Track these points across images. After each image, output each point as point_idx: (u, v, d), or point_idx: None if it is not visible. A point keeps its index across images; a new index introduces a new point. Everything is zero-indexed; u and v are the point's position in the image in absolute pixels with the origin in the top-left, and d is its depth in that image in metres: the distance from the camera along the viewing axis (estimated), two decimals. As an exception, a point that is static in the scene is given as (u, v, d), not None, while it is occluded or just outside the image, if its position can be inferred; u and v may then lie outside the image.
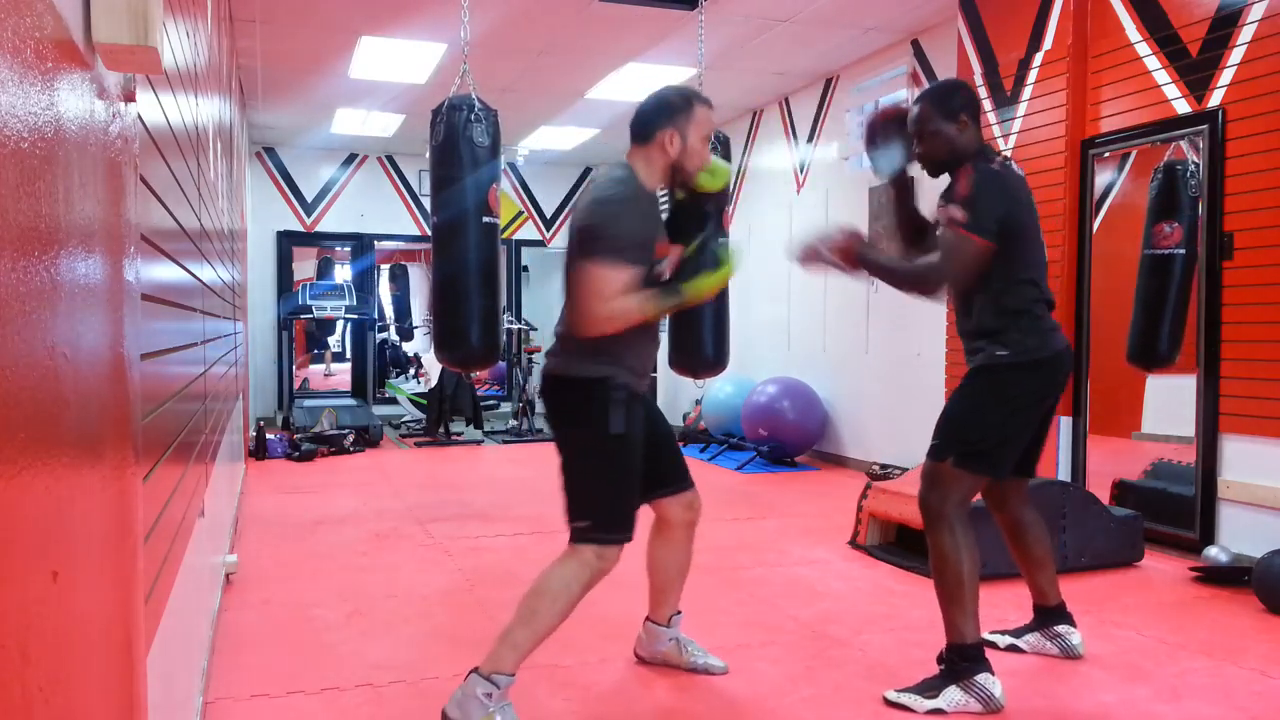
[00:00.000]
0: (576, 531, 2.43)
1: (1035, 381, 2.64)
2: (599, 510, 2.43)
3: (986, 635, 2.95)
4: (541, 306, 11.39)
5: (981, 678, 2.52)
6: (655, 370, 2.73)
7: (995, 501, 2.91)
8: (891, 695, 2.57)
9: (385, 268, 12.78)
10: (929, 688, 2.55)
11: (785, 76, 7.08)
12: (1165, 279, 4.32)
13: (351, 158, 9.97)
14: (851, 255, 2.64)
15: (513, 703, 2.37)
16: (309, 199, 9.88)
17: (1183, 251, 4.24)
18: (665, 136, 2.46)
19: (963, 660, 2.55)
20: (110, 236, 1.12)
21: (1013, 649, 2.95)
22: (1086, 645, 2.95)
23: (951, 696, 2.51)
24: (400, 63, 6.70)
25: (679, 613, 2.84)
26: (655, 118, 2.47)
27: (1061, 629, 2.92)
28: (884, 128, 2.84)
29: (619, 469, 2.45)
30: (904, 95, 6.23)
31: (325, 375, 13.52)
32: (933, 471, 2.66)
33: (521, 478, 6.58)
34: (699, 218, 2.78)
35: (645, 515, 2.66)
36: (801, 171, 7.43)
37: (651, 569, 2.82)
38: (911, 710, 2.52)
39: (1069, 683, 2.72)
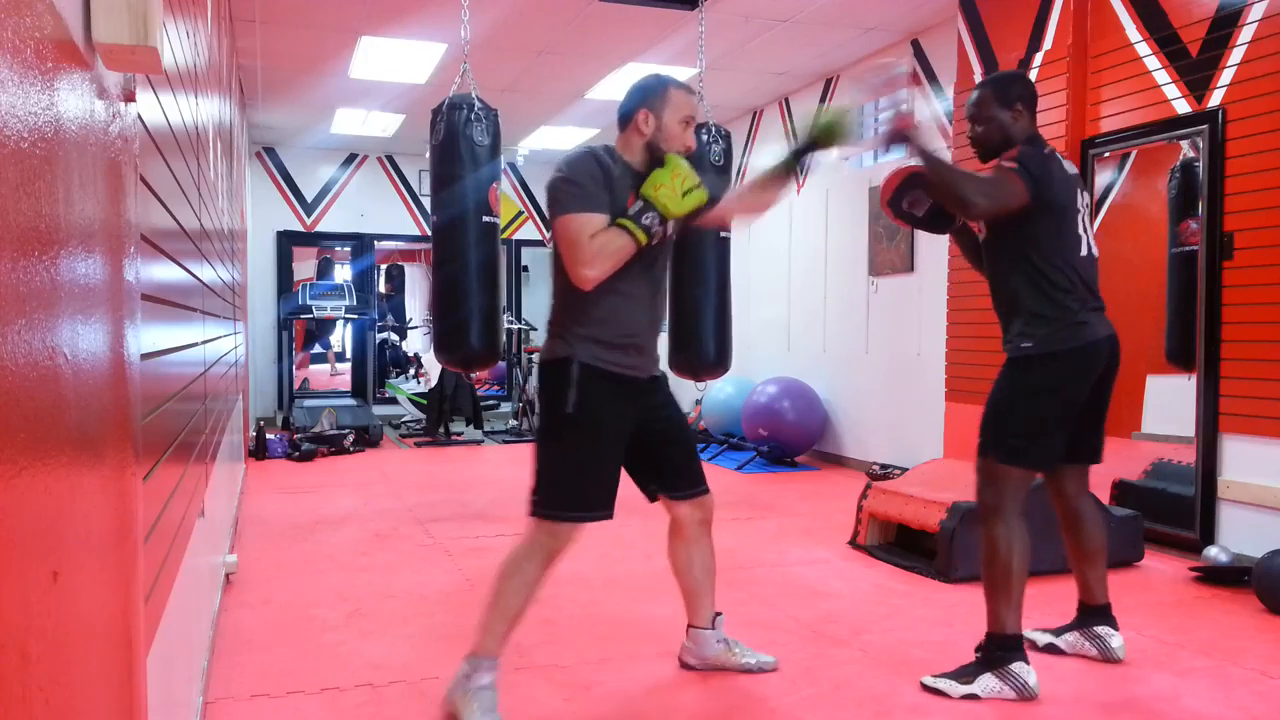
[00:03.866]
0: (531, 507, 2.50)
1: (1064, 371, 2.65)
2: (550, 488, 2.49)
3: (1025, 632, 2.96)
4: (541, 306, 11.38)
5: (1017, 666, 2.56)
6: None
7: (1053, 489, 2.92)
8: (928, 680, 2.62)
9: (382, 268, 12.77)
10: (965, 674, 2.59)
11: (785, 76, 7.08)
12: (1195, 275, 4.28)
13: (351, 158, 9.97)
14: (902, 134, 2.63)
15: (498, 692, 2.42)
16: (309, 199, 9.88)
17: None
18: (640, 116, 2.54)
19: (999, 649, 2.59)
20: (110, 236, 1.12)
21: (1051, 648, 2.93)
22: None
23: (986, 683, 2.55)
24: (400, 63, 6.70)
25: (719, 614, 2.83)
26: (631, 101, 2.58)
27: (1102, 630, 2.89)
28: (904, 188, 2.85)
29: (575, 449, 2.49)
30: (903, 95, 6.22)
31: (332, 375, 13.49)
32: (984, 469, 2.69)
33: (521, 478, 6.54)
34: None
35: (658, 516, 2.67)
36: (801, 171, 7.43)
37: (677, 573, 2.80)
38: (946, 695, 2.56)
39: (1069, 683, 2.72)
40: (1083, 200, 2.74)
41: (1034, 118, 2.77)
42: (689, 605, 2.82)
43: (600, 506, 2.50)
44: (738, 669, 2.80)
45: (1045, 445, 2.68)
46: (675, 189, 2.44)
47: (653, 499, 2.73)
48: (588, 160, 2.46)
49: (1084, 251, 2.71)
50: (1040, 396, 2.65)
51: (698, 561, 2.77)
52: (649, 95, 2.54)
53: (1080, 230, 2.71)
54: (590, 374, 2.45)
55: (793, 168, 2.67)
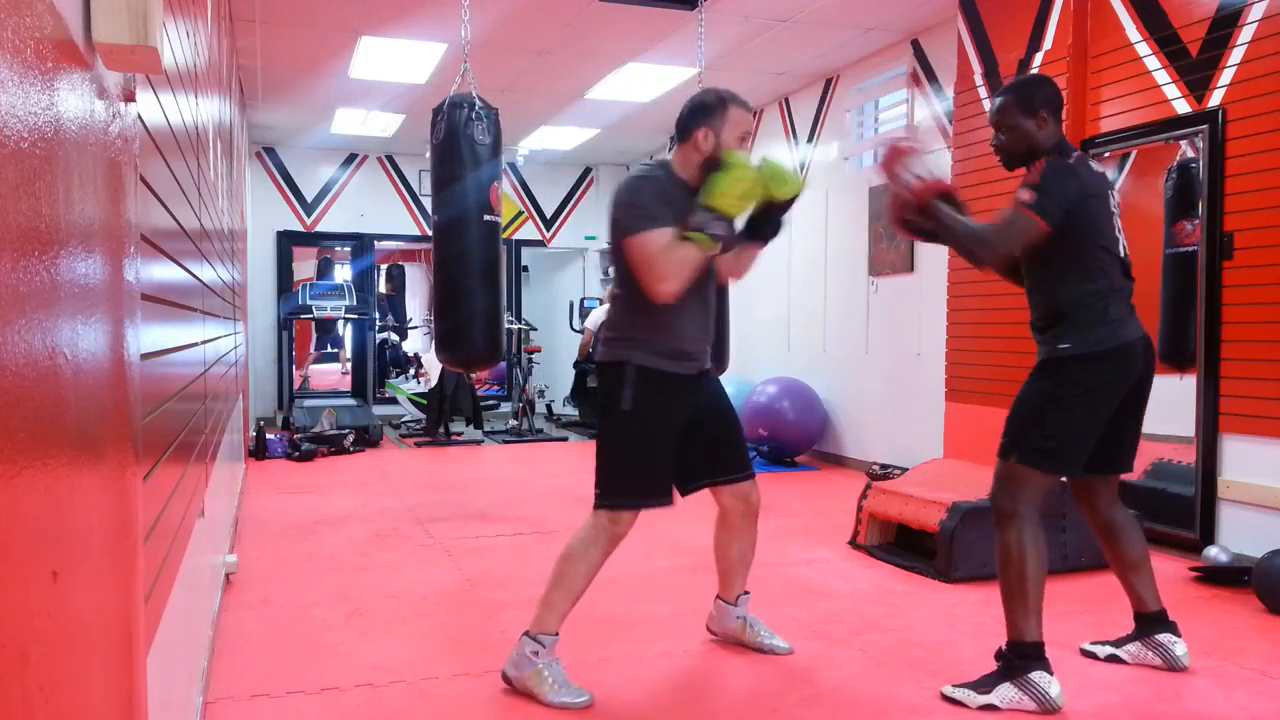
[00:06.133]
0: (596, 498, 2.66)
1: (1101, 374, 2.57)
2: (612, 479, 2.66)
3: (1086, 645, 2.95)
4: (541, 306, 11.39)
5: (1037, 676, 2.51)
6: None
7: (1085, 501, 2.86)
8: (947, 690, 2.59)
9: (383, 268, 12.74)
10: (984, 684, 2.55)
11: (785, 76, 7.08)
12: (1191, 276, 4.27)
13: (351, 158, 9.97)
14: (925, 199, 2.60)
15: (561, 659, 2.61)
16: (309, 199, 9.88)
17: None
18: (700, 134, 2.65)
19: (1019, 658, 2.54)
20: (110, 236, 1.12)
21: (1113, 659, 2.87)
22: (1084, 646, 2.95)
23: (1005, 693, 2.52)
24: (400, 63, 6.70)
25: (747, 593, 3.01)
26: (692, 118, 2.68)
27: (1164, 638, 2.81)
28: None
29: (632, 441, 2.65)
30: (903, 95, 6.23)
31: (344, 374, 13.43)
32: (1002, 470, 2.63)
33: (521, 478, 6.58)
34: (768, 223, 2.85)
35: (699, 499, 2.86)
36: (801, 171, 7.43)
37: (716, 553, 3.01)
38: (965, 705, 2.53)
39: (1068, 684, 2.71)
40: (1114, 200, 2.67)
41: (1060, 122, 2.67)
42: (721, 580, 3.01)
43: (658, 493, 2.68)
44: (751, 646, 2.97)
45: (1075, 450, 2.60)
46: (732, 193, 2.54)
47: (684, 494, 2.84)
48: (645, 183, 2.63)
49: (1120, 253, 2.64)
50: (1076, 398, 2.57)
51: (736, 549, 2.95)
52: (711, 113, 2.65)
53: (1115, 232, 2.64)
54: (643, 374, 2.61)
55: (766, 235, 2.79)
